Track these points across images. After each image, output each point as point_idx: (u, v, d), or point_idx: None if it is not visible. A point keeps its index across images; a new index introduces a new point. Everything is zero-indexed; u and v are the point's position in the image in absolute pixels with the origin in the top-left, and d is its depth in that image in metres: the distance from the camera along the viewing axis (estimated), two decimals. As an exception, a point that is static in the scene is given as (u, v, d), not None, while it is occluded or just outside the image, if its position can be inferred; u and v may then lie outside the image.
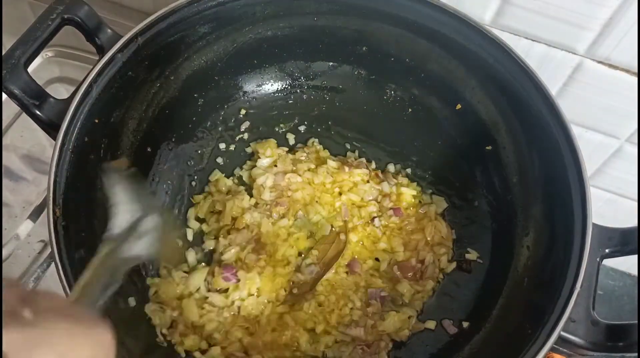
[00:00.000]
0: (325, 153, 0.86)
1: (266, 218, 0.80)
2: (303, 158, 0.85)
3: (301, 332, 0.74)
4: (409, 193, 0.82)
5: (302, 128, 0.89)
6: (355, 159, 0.86)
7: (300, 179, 0.82)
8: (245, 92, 0.88)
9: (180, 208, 0.82)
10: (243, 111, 0.88)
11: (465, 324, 0.75)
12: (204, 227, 0.81)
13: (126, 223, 0.60)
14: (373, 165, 0.86)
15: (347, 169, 0.82)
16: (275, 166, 0.84)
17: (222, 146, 0.87)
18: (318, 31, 0.83)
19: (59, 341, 0.39)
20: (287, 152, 0.86)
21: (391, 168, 0.86)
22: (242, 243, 0.78)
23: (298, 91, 0.89)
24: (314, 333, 0.75)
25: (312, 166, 0.84)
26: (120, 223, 0.60)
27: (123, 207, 0.61)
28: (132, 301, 0.72)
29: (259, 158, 0.85)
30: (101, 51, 0.72)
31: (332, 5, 0.80)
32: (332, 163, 0.83)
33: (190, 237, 0.80)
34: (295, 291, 0.76)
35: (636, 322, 0.61)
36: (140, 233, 0.61)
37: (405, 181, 0.85)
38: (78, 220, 0.67)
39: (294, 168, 0.83)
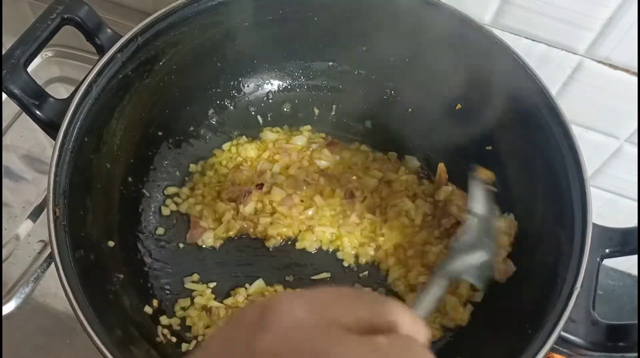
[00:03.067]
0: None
1: None
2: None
3: None
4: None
5: (301, 128, 0.88)
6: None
7: None
8: (245, 92, 0.88)
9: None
10: (243, 111, 0.88)
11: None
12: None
13: (473, 238, 0.61)
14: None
15: None
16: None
17: (225, 146, 0.87)
18: (318, 31, 0.83)
19: None
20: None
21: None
22: None
23: (298, 90, 0.89)
24: None
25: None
26: (471, 235, 0.61)
27: (477, 221, 0.62)
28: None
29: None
30: (101, 51, 0.72)
31: (332, 5, 0.80)
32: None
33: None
34: None
35: (636, 322, 0.61)
36: (475, 256, 0.61)
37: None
38: (78, 220, 0.67)
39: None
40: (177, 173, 0.83)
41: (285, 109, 0.89)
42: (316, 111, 0.89)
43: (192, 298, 0.76)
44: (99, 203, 0.71)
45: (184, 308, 0.75)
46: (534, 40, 0.77)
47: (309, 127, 0.88)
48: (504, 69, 0.74)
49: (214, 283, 0.78)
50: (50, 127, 0.68)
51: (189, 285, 0.77)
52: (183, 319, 0.75)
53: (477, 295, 0.76)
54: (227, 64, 0.84)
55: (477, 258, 0.61)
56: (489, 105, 0.79)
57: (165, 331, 0.73)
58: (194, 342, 0.73)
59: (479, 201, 0.64)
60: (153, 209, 0.81)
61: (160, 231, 0.80)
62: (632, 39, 0.71)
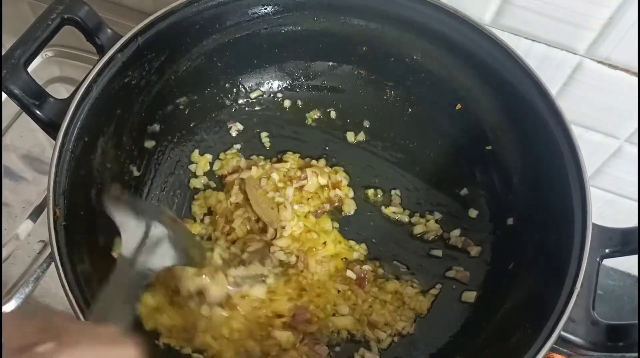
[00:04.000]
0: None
1: None
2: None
3: None
4: None
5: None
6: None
7: None
8: (245, 92, 0.88)
9: (182, 203, 0.82)
10: (243, 111, 0.88)
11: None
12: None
13: (136, 239, 0.62)
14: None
15: None
16: None
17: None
18: (318, 31, 0.83)
19: None
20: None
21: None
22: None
23: (298, 90, 0.89)
24: None
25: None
26: (131, 241, 0.62)
27: (128, 226, 0.63)
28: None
29: None
30: (101, 51, 0.72)
31: (332, 5, 0.80)
32: None
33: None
34: None
35: (636, 322, 0.61)
36: (152, 244, 0.62)
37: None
38: (78, 220, 0.66)
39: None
40: (177, 172, 0.83)
41: (285, 110, 0.89)
42: (315, 111, 0.89)
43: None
44: (99, 204, 0.71)
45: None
46: (534, 40, 0.77)
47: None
48: (503, 69, 0.74)
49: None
50: (50, 127, 0.68)
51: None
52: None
53: (470, 295, 0.76)
54: (227, 64, 0.84)
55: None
56: (489, 105, 0.80)
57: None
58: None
59: (121, 215, 0.63)
60: (153, 209, 0.81)
61: (160, 231, 0.80)
62: (632, 39, 0.71)
